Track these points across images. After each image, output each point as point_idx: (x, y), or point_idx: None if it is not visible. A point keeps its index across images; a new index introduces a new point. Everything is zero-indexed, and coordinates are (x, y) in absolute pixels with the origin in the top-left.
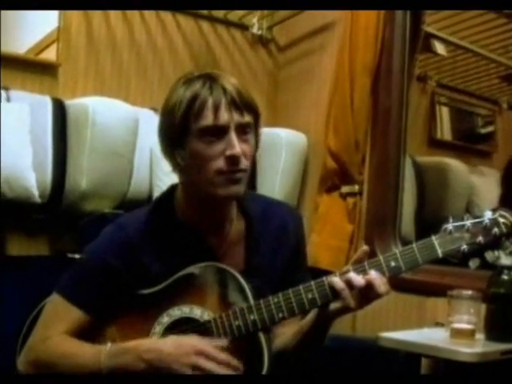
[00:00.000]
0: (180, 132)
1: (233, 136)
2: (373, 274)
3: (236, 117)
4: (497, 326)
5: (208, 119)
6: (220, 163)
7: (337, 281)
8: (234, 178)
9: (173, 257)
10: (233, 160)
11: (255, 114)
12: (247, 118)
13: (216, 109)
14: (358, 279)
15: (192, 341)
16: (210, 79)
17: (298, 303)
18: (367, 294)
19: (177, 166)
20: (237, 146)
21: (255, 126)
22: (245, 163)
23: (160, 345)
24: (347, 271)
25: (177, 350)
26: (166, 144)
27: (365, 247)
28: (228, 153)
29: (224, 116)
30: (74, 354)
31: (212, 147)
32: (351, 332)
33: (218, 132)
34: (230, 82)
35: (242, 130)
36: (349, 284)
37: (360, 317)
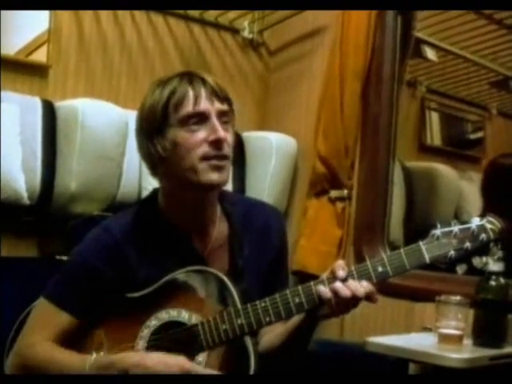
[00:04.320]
0: (160, 125)
1: (215, 121)
2: (358, 286)
3: (217, 104)
4: (484, 332)
5: (189, 107)
6: (204, 149)
7: (324, 290)
8: (219, 164)
9: (159, 259)
10: (217, 144)
11: (231, 108)
12: (227, 106)
13: (196, 98)
14: (345, 291)
15: (179, 360)
16: (188, 75)
17: (284, 307)
18: (354, 301)
19: (155, 166)
20: (220, 130)
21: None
22: (227, 150)
23: (147, 361)
24: (334, 279)
25: (164, 370)
26: (144, 138)
27: (340, 261)
28: (212, 137)
29: (205, 103)
30: (59, 362)
31: (195, 135)
32: (339, 337)
33: (200, 119)
34: (209, 76)
35: (223, 117)
36: (336, 294)
37: (348, 321)
